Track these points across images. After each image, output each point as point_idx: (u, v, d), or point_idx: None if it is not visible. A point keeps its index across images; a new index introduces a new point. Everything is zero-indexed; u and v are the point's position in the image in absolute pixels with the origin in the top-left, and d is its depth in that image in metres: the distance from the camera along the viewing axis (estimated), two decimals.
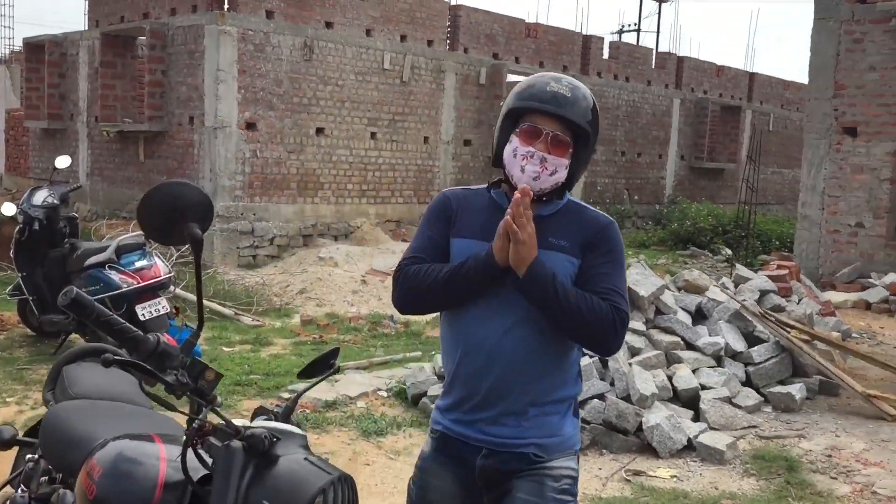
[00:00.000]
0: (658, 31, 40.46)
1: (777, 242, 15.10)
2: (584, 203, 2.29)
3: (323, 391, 5.93)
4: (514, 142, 2.15)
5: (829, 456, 5.24)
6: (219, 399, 1.75)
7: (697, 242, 15.07)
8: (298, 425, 2.13)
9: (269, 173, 12.77)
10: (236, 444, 1.68)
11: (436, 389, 5.62)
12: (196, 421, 1.72)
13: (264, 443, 1.69)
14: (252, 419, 1.97)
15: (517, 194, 2.01)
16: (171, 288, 7.19)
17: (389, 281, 10.67)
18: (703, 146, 21.21)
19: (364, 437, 5.24)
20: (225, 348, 7.60)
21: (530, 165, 2.11)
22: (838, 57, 11.03)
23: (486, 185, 2.29)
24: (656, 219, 18.78)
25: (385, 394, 6.05)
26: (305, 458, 1.69)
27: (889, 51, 10.75)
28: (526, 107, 2.16)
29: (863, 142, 10.96)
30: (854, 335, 8.82)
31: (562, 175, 2.16)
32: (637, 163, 19.71)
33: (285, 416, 2.02)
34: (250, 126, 12.48)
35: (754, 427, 5.69)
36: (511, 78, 15.95)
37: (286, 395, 5.98)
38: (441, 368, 5.85)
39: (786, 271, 8.46)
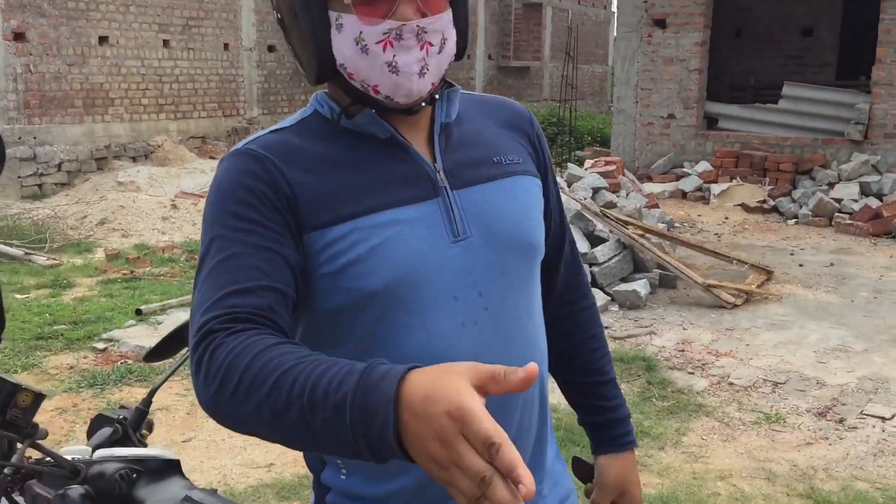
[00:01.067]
0: None
1: (589, 138, 15.39)
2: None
3: (147, 337, 5.23)
4: (351, 24, 1.12)
5: (682, 351, 5.27)
6: (41, 429, 1.18)
7: None
8: (152, 425, 1.58)
9: (47, 90, 11.24)
10: (75, 491, 1.13)
11: None
12: (6, 466, 1.14)
13: (119, 485, 1.15)
14: (89, 434, 1.40)
15: (516, 379, 0.77)
16: None
17: (203, 204, 9.81)
18: (509, 45, 21.18)
19: None
20: (18, 296, 6.60)
21: (403, 53, 1.11)
22: None
23: (310, 111, 1.23)
24: None
25: None
26: (186, 499, 1.16)
27: None
28: None
29: (672, 33, 11.13)
30: (676, 225, 9.08)
31: (452, 43, 1.18)
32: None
33: (137, 422, 1.46)
34: (18, 37, 10.84)
35: (607, 328, 5.63)
36: None
37: (101, 346, 5.22)
38: None
39: (613, 167, 8.48)
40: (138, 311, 5.85)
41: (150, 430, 1.59)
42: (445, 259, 1.15)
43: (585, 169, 8.50)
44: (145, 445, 1.48)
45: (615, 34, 11.66)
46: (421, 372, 0.81)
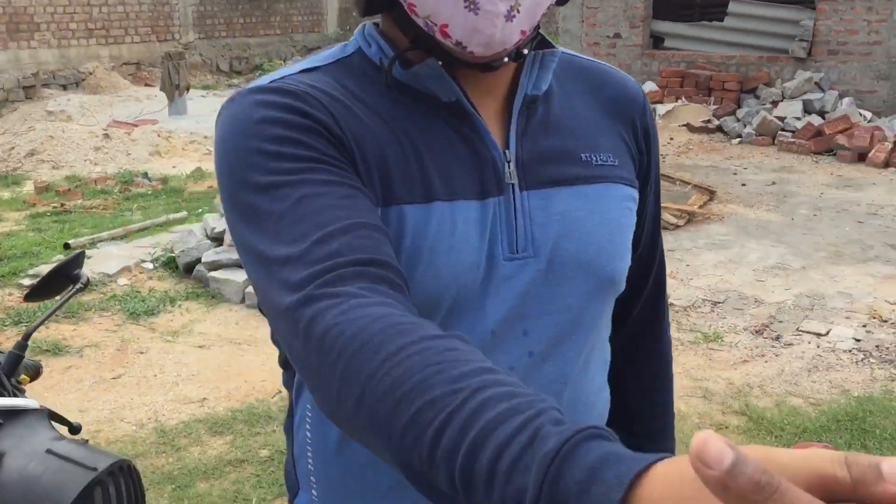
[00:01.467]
0: None
1: None
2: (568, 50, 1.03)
3: None
4: None
5: None
6: None
7: None
8: (37, 370, 1.47)
9: None
10: None
11: (211, 255, 4.93)
12: None
13: None
14: None
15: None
16: None
17: (138, 134, 9.46)
18: None
19: (132, 321, 4.50)
20: None
21: None
22: None
23: (353, 49, 0.94)
24: None
25: (150, 265, 5.26)
26: (49, 451, 1.05)
27: None
28: None
29: None
30: None
31: None
32: None
33: (11, 366, 1.35)
34: None
35: None
36: None
37: (27, 283, 5.02)
38: (215, 230, 5.14)
39: None
40: (66, 246, 5.64)
41: (36, 375, 1.48)
42: (492, 279, 0.87)
43: None
44: (22, 392, 1.37)
45: None
46: (666, 481, 0.45)
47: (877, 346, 4.09)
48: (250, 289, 4.66)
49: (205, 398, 3.67)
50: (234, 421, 3.45)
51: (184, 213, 6.60)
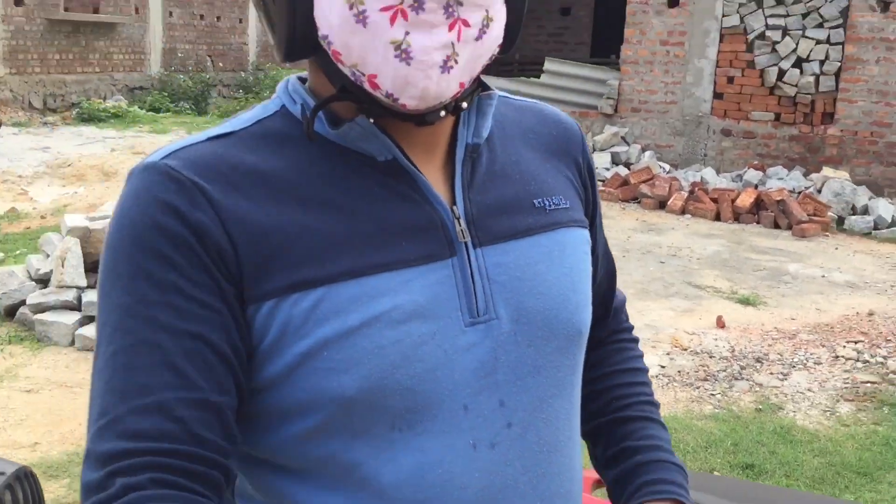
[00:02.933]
0: None
1: None
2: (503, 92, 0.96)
3: None
4: None
5: None
6: None
7: None
8: None
9: None
10: None
11: (37, 297, 4.75)
12: None
13: None
14: None
15: None
16: None
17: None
18: None
19: None
20: None
21: (421, 32, 0.73)
22: None
23: (275, 108, 0.85)
24: (244, 87, 18.13)
25: None
26: None
27: None
28: None
29: None
30: None
31: (500, 27, 0.79)
32: (218, 27, 18.63)
33: None
34: None
35: None
36: None
37: None
38: (40, 271, 4.95)
39: None
40: None
41: None
42: (456, 350, 0.79)
43: None
44: None
45: None
46: None
47: (678, 372, 4.57)
48: (81, 330, 4.54)
49: (37, 442, 3.55)
50: (69, 464, 3.37)
51: (0, 255, 6.28)
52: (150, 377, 0.72)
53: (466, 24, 0.74)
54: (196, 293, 0.74)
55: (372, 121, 0.79)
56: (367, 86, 0.75)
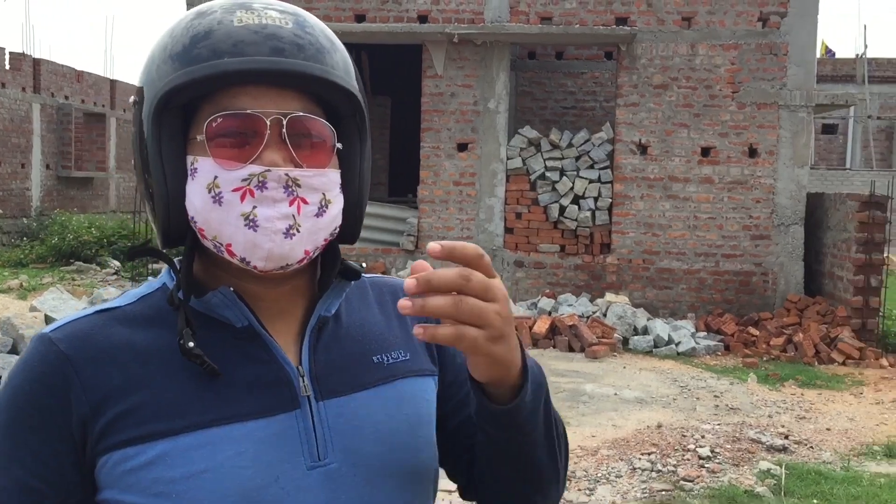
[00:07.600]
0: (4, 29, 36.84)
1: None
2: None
3: None
4: (206, 168, 0.91)
5: None
6: None
7: (82, 256, 14.20)
8: None
9: None
10: None
11: None
12: None
13: None
14: None
15: (410, 282, 0.81)
16: None
17: None
18: (70, 154, 20.12)
19: None
20: None
21: (266, 206, 0.90)
22: None
23: (158, 285, 1.00)
24: (27, 233, 17.16)
25: None
26: None
27: None
28: (209, 75, 0.89)
29: None
30: None
31: (338, 210, 0.96)
32: None
33: None
34: None
35: None
36: None
37: None
38: None
39: None
40: None
41: None
42: (298, 491, 0.91)
43: None
44: None
45: None
46: None
47: None
48: None
49: None
50: None
51: None
52: None
53: (305, 201, 0.91)
54: (45, 456, 0.89)
55: (232, 289, 0.94)
56: (225, 254, 0.91)
